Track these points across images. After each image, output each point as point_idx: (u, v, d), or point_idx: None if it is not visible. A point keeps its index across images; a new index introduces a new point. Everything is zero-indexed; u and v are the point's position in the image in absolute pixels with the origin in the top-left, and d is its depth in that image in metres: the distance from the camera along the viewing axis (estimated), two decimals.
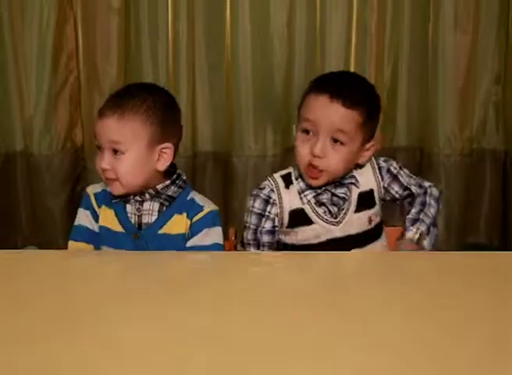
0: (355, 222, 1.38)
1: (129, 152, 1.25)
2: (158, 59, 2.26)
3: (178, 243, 1.29)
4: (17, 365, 0.70)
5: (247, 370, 0.69)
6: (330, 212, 1.37)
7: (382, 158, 1.43)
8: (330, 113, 1.29)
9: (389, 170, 1.41)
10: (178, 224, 1.30)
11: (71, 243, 1.35)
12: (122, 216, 1.31)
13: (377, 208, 1.41)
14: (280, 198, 1.39)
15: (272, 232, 1.40)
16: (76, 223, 1.36)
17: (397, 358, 0.71)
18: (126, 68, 2.25)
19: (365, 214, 1.39)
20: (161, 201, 1.30)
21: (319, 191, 1.36)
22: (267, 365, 0.70)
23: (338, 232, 1.37)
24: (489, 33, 2.26)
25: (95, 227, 1.34)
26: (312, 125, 1.31)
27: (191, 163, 2.29)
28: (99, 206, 1.34)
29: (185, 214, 1.31)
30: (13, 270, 1.09)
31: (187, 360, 0.71)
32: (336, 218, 1.37)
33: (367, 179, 1.40)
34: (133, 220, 1.31)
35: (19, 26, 2.19)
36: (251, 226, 1.41)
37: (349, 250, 1.34)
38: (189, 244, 1.30)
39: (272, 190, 1.40)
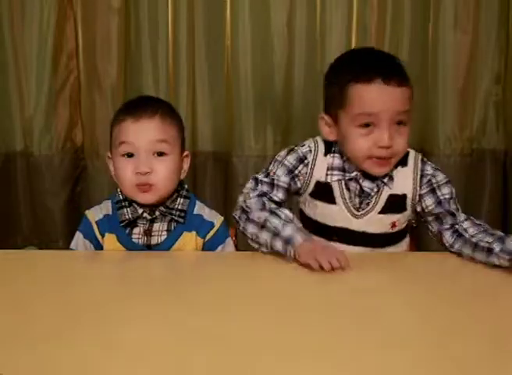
0: (376, 222, 1.32)
1: (171, 155, 1.25)
2: (158, 59, 2.25)
3: None
4: (17, 364, 0.70)
5: (247, 370, 0.69)
6: (353, 202, 1.32)
7: (431, 165, 1.35)
8: (389, 99, 1.22)
9: (429, 180, 1.32)
10: (188, 242, 1.27)
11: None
12: (124, 240, 1.27)
13: (406, 214, 1.34)
14: (314, 163, 1.34)
15: (287, 191, 1.34)
16: (73, 246, 1.31)
17: (400, 358, 0.71)
18: (126, 68, 2.24)
19: (389, 218, 1.33)
20: (174, 217, 1.26)
21: (347, 177, 1.31)
22: (267, 364, 0.70)
23: (354, 225, 1.32)
24: (489, 33, 2.25)
25: None
26: (373, 117, 1.23)
27: (191, 163, 2.27)
28: (102, 235, 1.29)
29: (194, 232, 1.28)
30: (13, 270, 1.09)
31: (187, 360, 0.71)
32: (357, 210, 1.32)
33: (404, 182, 1.32)
34: (141, 241, 1.27)
35: (20, 26, 2.19)
36: (272, 175, 1.34)
37: (363, 246, 1.31)
38: None
39: (311, 151, 1.34)
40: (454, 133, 2.27)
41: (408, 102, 1.25)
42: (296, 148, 1.36)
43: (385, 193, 1.32)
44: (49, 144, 2.26)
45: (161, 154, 1.24)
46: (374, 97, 1.23)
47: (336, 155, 1.34)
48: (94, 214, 1.31)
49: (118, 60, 2.23)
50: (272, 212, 1.26)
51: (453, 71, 2.23)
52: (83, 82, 2.24)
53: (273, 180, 1.34)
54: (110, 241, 1.28)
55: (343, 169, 1.32)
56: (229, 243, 1.31)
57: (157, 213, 1.26)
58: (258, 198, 1.32)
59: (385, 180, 1.30)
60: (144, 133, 1.22)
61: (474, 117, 2.31)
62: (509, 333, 0.79)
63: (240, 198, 1.35)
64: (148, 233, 1.27)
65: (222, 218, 1.32)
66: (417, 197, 1.33)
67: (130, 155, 1.23)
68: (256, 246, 1.26)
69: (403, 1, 2.23)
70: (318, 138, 1.38)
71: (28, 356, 0.72)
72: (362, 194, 1.31)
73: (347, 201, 1.32)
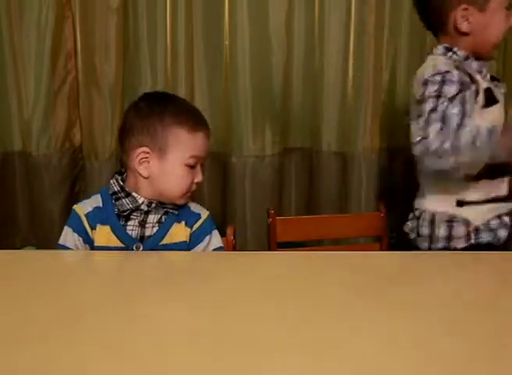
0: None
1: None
2: (156, 59, 2.25)
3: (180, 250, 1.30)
4: (16, 365, 0.70)
5: (248, 370, 0.69)
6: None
7: None
8: None
9: None
10: (178, 233, 1.31)
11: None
12: (119, 231, 1.29)
13: None
14: (473, 76, 1.40)
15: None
16: (62, 241, 1.32)
17: (400, 358, 0.71)
18: (124, 68, 2.24)
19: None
20: (169, 210, 1.31)
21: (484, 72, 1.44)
22: (269, 365, 0.70)
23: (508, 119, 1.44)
24: None
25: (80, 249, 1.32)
26: None
27: None
28: (92, 227, 1.30)
29: (183, 222, 1.32)
30: (11, 271, 1.09)
31: (187, 360, 0.71)
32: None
33: None
34: (134, 233, 1.29)
35: (18, 26, 2.18)
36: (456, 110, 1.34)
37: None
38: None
39: (458, 73, 1.38)
40: None
41: None
42: (442, 78, 1.36)
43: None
44: (47, 144, 2.26)
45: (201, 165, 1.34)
46: None
47: (469, 60, 1.44)
48: (83, 207, 1.32)
49: (116, 60, 2.23)
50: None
51: None
52: (81, 82, 2.24)
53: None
54: (103, 232, 1.29)
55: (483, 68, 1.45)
56: (217, 235, 1.35)
57: (153, 205, 1.29)
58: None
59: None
60: (206, 147, 1.32)
61: None
62: (509, 334, 0.79)
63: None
64: (143, 224, 1.29)
65: (208, 212, 1.37)
66: None
67: (193, 165, 1.30)
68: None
69: (402, 1, 2.23)
70: (442, 58, 1.45)
71: (26, 356, 0.72)
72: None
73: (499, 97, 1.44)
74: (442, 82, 1.36)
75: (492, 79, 1.48)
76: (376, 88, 2.25)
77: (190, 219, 1.33)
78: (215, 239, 1.34)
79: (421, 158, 1.36)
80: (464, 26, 1.45)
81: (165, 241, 1.30)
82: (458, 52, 1.45)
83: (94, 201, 1.32)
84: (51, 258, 1.22)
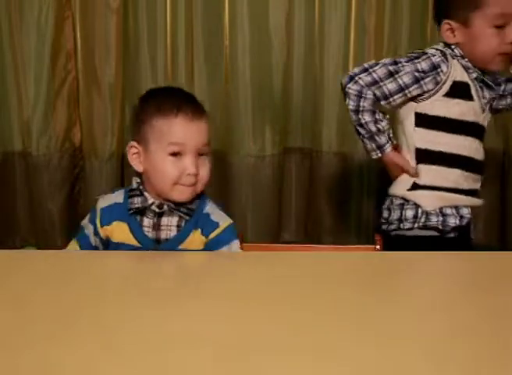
0: (487, 118, 1.53)
1: (209, 156, 1.27)
2: (156, 59, 2.25)
3: None
4: (16, 365, 0.70)
5: (249, 370, 0.69)
6: (484, 97, 1.49)
7: None
8: None
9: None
10: (195, 240, 1.26)
11: (74, 242, 1.33)
12: (137, 231, 1.25)
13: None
14: (449, 67, 1.46)
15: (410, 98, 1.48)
16: (83, 223, 1.31)
17: (401, 358, 0.71)
18: (124, 68, 2.25)
19: (489, 115, 1.54)
20: (181, 214, 1.25)
21: (480, 74, 1.48)
22: (270, 364, 0.70)
23: (481, 118, 1.50)
24: None
25: (92, 241, 1.31)
26: (505, 18, 1.41)
27: None
28: (104, 224, 1.27)
29: (199, 230, 1.25)
30: (11, 270, 1.08)
31: (189, 361, 0.71)
32: (484, 105, 1.50)
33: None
34: (150, 235, 1.26)
35: (18, 27, 2.19)
36: (400, 83, 1.46)
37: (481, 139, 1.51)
38: None
39: (443, 61, 1.47)
40: None
41: None
42: (427, 55, 1.48)
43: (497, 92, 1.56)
44: (47, 144, 2.26)
45: (201, 154, 1.25)
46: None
47: (459, 58, 1.49)
48: (103, 201, 1.30)
49: (116, 60, 2.23)
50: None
51: None
52: (81, 82, 2.24)
53: (401, 89, 1.47)
54: (120, 229, 1.26)
55: (475, 67, 1.49)
56: (235, 245, 1.27)
57: (165, 207, 1.24)
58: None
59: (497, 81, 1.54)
60: (195, 134, 1.22)
61: None
62: (509, 333, 0.79)
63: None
64: (157, 227, 1.25)
65: (231, 221, 1.29)
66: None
67: (176, 154, 1.22)
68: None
69: (402, 1, 2.24)
70: (436, 47, 1.53)
71: (26, 356, 0.72)
72: (489, 89, 1.51)
73: (480, 95, 1.49)
74: (421, 54, 1.48)
75: (487, 85, 1.52)
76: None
77: (207, 227, 1.25)
78: (234, 250, 1.26)
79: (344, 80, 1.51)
80: (450, 39, 1.51)
81: (183, 246, 1.25)
82: (456, 50, 1.50)
83: (117, 197, 1.29)
84: (51, 258, 1.22)
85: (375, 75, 1.46)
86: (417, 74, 1.45)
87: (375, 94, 1.47)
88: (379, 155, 1.52)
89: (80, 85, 2.25)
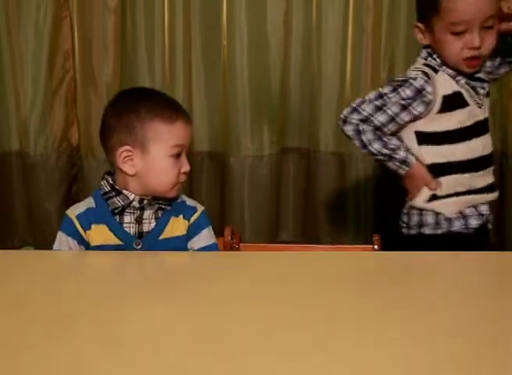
0: (486, 106, 1.52)
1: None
2: (154, 59, 2.25)
3: (179, 245, 1.29)
4: (14, 365, 0.70)
5: (247, 369, 0.69)
6: (479, 94, 1.49)
7: None
8: (480, 5, 1.38)
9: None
10: (177, 227, 1.30)
11: None
12: (117, 229, 1.28)
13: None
14: (435, 86, 1.45)
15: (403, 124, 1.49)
16: (56, 247, 1.30)
17: (399, 358, 0.71)
18: (122, 68, 2.25)
19: (487, 99, 1.54)
20: (161, 206, 1.29)
21: (468, 75, 1.47)
22: (266, 364, 0.70)
23: (481, 115, 1.50)
24: None
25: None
26: (465, 24, 1.39)
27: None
28: (86, 228, 1.28)
29: (181, 216, 1.31)
30: (9, 271, 1.08)
31: (185, 361, 0.71)
32: (480, 100, 1.50)
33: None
34: (132, 230, 1.28)
35: (16, 26, 2.19)
36: (390, 113, 1.46)
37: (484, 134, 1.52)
38: (193, 246, 1.31)
39: (427, 81, 1.46)
40: None
41: (496, 6, 1.40)
42: (409, 81, 1.47)
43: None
44: (45, 143, 2.26)
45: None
46: (464, 5, 1.38)
47: (443, 67, 1.48)
48: (74, 210, 1.31)
49: (114, 60, 2.23)
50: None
51: None
52: (79, 82, 2.24)
53: (392, 119, 1.48)
54: (99, 231, 1.28)
55: (461, 72, 1.47)
56: (211, 230, 1.35)
57: (145, 202, 1.28)
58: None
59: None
60: (187, 135, 1.30)
61: None
62: (507, 334, 0.79)
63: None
64: (139, 220, 1.28)
65: (203, 207, 1.36)
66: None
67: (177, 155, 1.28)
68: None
69: (400, 1, 2.24)
70: (416, 65, 1.52)
71: (25, 357, 0.72)
72: (479, 84, 1.50)
73: (474, 98, 1.49)
74: (403, 82, 1.48)
75: (476, 79, 1.51)
76: (374, 88, 2.25)
77: (187, 212, 1.32)
78: (210, 234, 1.34)
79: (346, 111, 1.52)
80: (422, 41, 1.52)
81: (163, 236, 1.29)
82: (437, 59, 1.49)
83: (87, 203, 1.31)
84: (49, 258, 1.22)
85: (364, 113, 1.47)
86: (403, 102, 1.45)
87: (370, 126, 1.49)
88: (407, 168, 1.50)
89: (77, 85, 2.24)
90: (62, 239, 1.30)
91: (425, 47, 1.52)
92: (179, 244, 1.30)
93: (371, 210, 2.35)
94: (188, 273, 1.13)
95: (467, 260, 1.19)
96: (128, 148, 1.26)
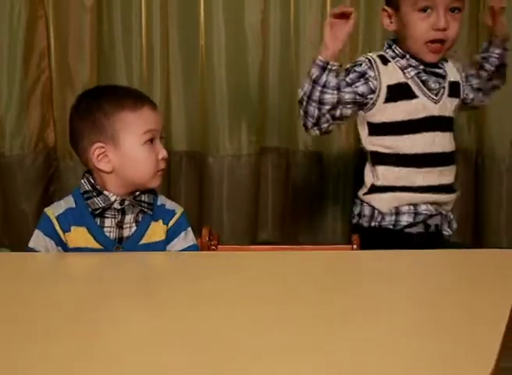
0: (448, 106, 1.52)
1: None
2: (131, 58, 2.24)
3: (159, 250, 1.29)
4: (6, 366, 0.69)
5: (228, 369, 0.69)
6: (431, 89, 1.50)
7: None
8: None
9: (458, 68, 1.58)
10: (156, 232, 1.30)
11: None
12: (97, 233, 1.26)
13: (459, 102, 1.57)
14: (379, 73, 1.48)
15: (348, 104, 1.48)
16: (32, 245, 1.28)
17: (380, 356, 0.72)
18: (98, 67, 2.23)
19: (454, 101, 1.54)
20: (144, 209, 1.28)
21: (420, 69, 1.49)
22: (249, 364, 0.70)
23: (436, 110, 1.50)
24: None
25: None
26: (431, 1, 1.42)
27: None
28: (65, 230, 1.26)
29: (160, 221, 1.30)
30: None
31: (164, 360, 0.71)
32: (436, 95, 1.50)
33: (453, 71, 1.56)
34: (112, 235, 1.27)
35: None
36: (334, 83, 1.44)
37: (442, 131, 1.51)
38: (173, 249, 1.30)
39: (370, 67, 1.48)
40: None
41: None
42: (352, 67, 1.50)
43: (447, 79, 1.54)
44: (21, 144, 2.24)
45: (161, 137, 1.31)
46: None
47: (396, 58, 1.51)
48: (54, 210, 1.29)
49: (90, 59, 2.21)
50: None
51: None
52: (55, 81, 2.22)
53: (337, 87, 1.46)
54: (79, 234, 1.26)
55: (413, 66, 1.49)
56: (190, 232, 1.34)
57: (126, 203, 1.27)
58: None
59: (443, 67, 1.53)
60: (158, 120, 1.29)
61: None
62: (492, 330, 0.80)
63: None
64: (120, 225, 1.27)
65: (182, 209, 1.36)
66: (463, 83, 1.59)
67: (150, 140, 1.27)
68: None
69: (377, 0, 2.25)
70: (369, 54, 1.54)
71: (23, 357, 0.71)
72: (436, 80, 1.51)
73: (425, 91, 1.50)
74: (351, 67, 1.51)
75: (431, 73, 1.53)
76: None
77: (166, 216, 1.31)
78: (190, 236, 1.33)
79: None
80: (389, 26, 1.55)
81: (144, 241, 1.28)
82: (395, 50, 1.53)
83: (67, 203, 1.29)
84: (25, 260, 1.20)
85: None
86: (348, 80, 1.48)
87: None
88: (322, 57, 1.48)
89: (53, 85, 2.22)
90: (39, 238, 1.28)
91: (389, 40, 1.56)
92: (159, 249, 1.29)
93: (350, 209, 2.36)
94: (168, 274, 1.13)
95: (442, 258, 1.20)
96: (100, 144, 1.25)
